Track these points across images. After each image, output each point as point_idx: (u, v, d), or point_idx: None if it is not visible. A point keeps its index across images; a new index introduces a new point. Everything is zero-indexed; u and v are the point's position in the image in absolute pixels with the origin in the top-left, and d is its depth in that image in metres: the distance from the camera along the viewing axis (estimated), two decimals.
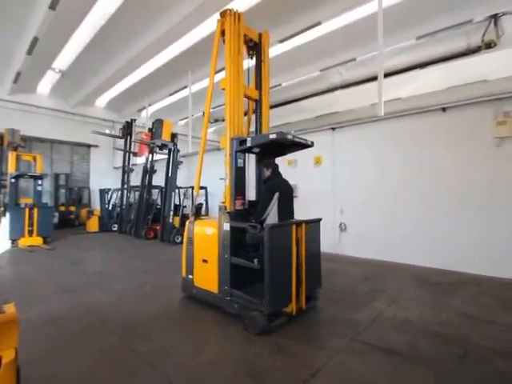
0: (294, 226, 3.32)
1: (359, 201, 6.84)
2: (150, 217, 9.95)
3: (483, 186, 5.28)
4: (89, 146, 15.36)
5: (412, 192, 6.10)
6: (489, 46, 8.50)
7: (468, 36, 8.75)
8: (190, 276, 4.11)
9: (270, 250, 2.99)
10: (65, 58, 10.34)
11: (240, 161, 3.88)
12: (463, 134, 5.53)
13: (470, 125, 5.45)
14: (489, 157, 5.24)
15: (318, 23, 8.34)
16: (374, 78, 10.47)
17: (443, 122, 5.77)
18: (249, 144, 3.61)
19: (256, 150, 3.96)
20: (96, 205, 13.87)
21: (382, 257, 6.32)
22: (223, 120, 14.75)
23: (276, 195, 3.52)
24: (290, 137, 3.35)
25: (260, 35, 4.50)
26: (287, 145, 3.87)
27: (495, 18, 8.04)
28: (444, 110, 5.76)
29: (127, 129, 11.68)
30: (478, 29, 8.37)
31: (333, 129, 7.36)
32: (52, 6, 7.16)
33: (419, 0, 7.26)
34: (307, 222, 3.51)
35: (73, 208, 13.53)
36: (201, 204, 9.91)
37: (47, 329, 3.13)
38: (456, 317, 3.42)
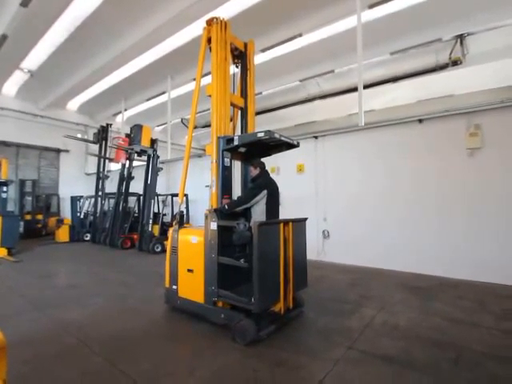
0: (281, 225, 3.33)
1: (342, 208, 6.97)
2: (127, 225, 9.51)
3: (461, 194, 5.56)
4: (58, 151, 14.55)
5: (393, 200, 6.31)
6: (455, 63, 9.15)
7: (437, 54, 9.36)
8: (175, 286, 3.95)
9: (259, 248, 2.96)
10: (35, 58, 9.77)
11: (226, 160, 3.83)
12: (439, 145, 5.83)
13: (445, 136, 5.77)
14: (464, 166, 5.55)
15: (299, 35, 8.56)
16: (351, 90, 10.93)
17: (420, 132, 6.06)
18: (236, 142, 3.58)
19: (242, 149, 3.92)
20: (66, 213, 13.10)
21: (365, 263, 6.45)
22: (203, 126, 14.72)
23: (264, 192, 3.55)
24: (277, 135, 3.37)
25: (245, 44, 4.53)
26: (272, 145, 3.89)
27: (461, 37, 8.69)
28: (420, 121, 6.06)
29: (102, 133, 11.18)
30: (446, 47, 8.99)
31: (315, 137, 7.49)
32: (24, 3, 6.77)
33: (393, 18, 7.64)
34: (294, 221, 3.53)
35: (40, 216, 12.65)
36: (182, 212, 9.66)
37: (20, 351, 2.81)
38: (443, 321, 3.52)
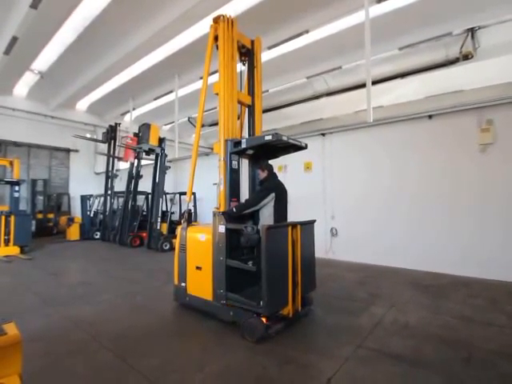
0: (289, 228, 3.31)
1: (350, 206, 6.91)
2: (136, 224, 9.62)
3: (470, 191, 5.46)
4: (68, 151, 14.77)
5: (402, 197, 6.23)
6: (466, 57, 8.94)
7: (446, 48, 9.17)
8: (183, 284, 3.98)
9: (267, 251, 2.95)
10: (45, 59, 9.92)
11: (234, 163, 3.83)
12: (450, 141, 5.73)
13: (456, 132, 5.66)
14: (475, 163, 5.45)
15: (306, 31, 8.48)
16: (358, 87, 10.78)
17: (430, 129, 5.96)
18: (244, 145, 3.58)
19: (250, 152, 3.91)
20: (76, 212, 13.29)
21: (374, 261, 6.39)
22: (210, 125, 14.76)
23: (272, 195, 3.53)
24: (285, 138, 3.35)
25: (252, 42, 4.51)
26: (280, 147, 3.87)
27: (472, 31, 8.48)
28: (430, 117, 5.95)
29: (111, 133, 11.29)
30: (456, 41, 8.80)
31: (323, 134, 7.43)
32: (33, 5, 6.87)
33: (402, 12, 7.51)
34: (302, 224, 3.50)
35: (51, 215, 12.87)
36: (191, 210, 9.72)
37: (33, 347, 2.87)
38: (454, 319, 3.47)
